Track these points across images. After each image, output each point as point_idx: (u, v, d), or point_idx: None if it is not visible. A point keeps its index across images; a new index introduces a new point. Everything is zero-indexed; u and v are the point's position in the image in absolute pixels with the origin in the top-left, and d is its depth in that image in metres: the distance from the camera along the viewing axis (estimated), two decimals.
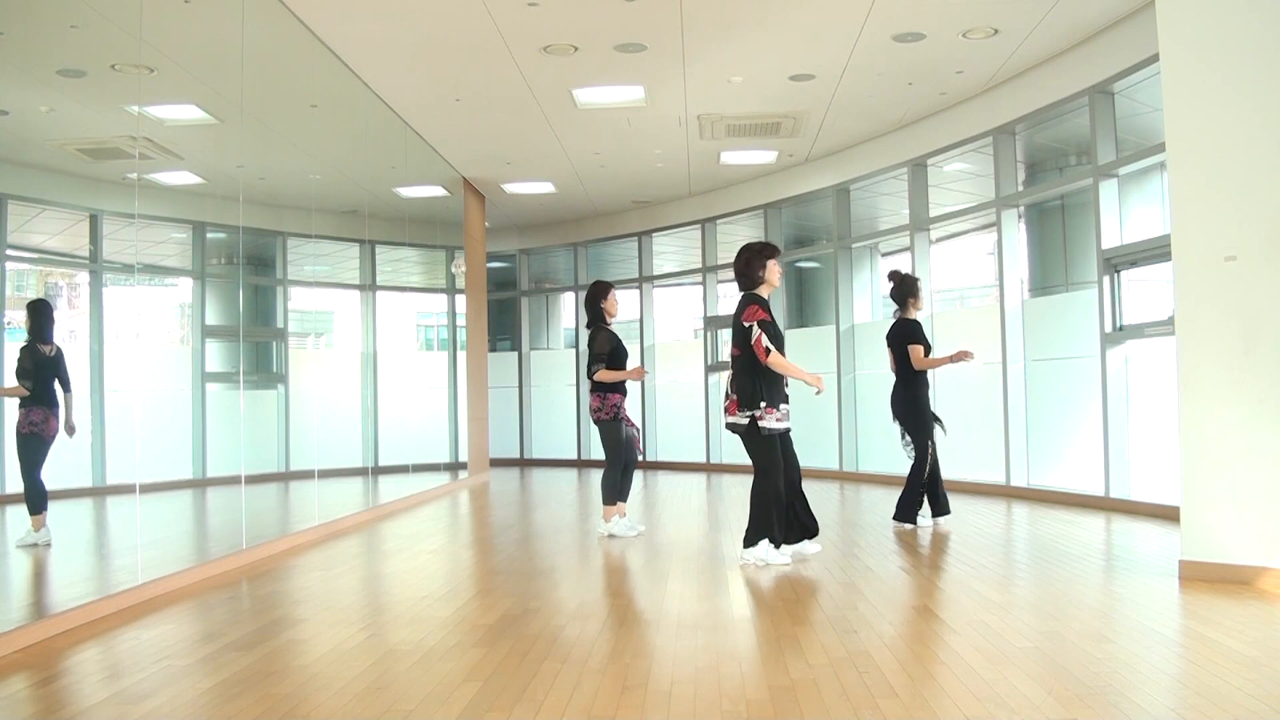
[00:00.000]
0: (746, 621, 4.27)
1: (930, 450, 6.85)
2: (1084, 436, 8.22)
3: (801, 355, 12.06)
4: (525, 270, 15.39)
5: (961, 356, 6.83)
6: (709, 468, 13.01)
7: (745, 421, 5.45)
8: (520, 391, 15.25)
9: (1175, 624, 4.14)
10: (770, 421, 5.44)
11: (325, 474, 7.75)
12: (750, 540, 5.51)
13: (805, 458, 12.14)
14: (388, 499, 9.04)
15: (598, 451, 14.17)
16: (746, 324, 5.47)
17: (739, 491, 9.86)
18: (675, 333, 15.34)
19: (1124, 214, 7.80)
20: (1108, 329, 7.63)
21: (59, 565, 5.50)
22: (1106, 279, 7.65)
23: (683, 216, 13.34)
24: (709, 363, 13.18)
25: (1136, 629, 4.03)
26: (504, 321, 15.58)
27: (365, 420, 9.32)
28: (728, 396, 5.58)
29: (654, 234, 13.91)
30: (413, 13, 6.89)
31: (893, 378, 7.09)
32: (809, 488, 10.07)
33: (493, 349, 14.51)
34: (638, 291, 14.17)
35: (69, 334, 6.08)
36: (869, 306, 11.54)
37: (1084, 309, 8.13)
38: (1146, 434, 7.66)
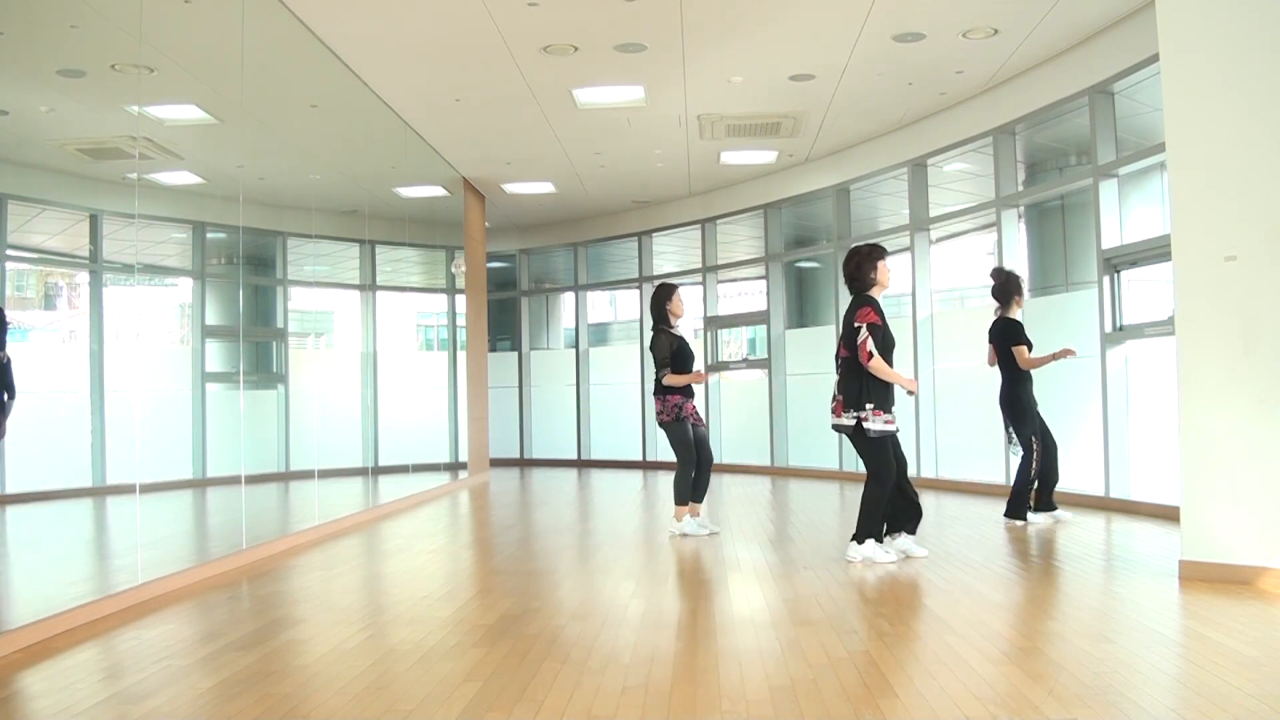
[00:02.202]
0: (746, 621, 4.27)
1: (1036, 446, 6.88)
2: (1084, 436, 8.22)
3: (802, 355, 12.09)
4: (525, 270, 15.39)
5: (1065, 354, 6.90)
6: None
7: (852, 423, 5.44)
8: (520, 391, 15.25)
9: (1175, 624, 4.14)
10: (878, 424, 5.42)
11: (325, 474, 7.75)
12: (860, 537, 5.54)
13: (805, 458, 12.18)
14: (388, 499, 9.04)
15: (598, 451, 14.38)
16: (857, 325, 5.46)
17: (739, 491, 9.87)
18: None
19: (1124, 214, 7.80)
20: (1108, 329, 7.63)
21: (59, 565, 5.50)
22: (1106, 279, 7.65)
23: (683, 216, 13.34)
24: (709, 362, 13.18)
25: (1136, 629, 4.03)
26: (504, 321, 15.58)
27: (365, 420, 9.32)
28: (834, 398, 5.57)
29: (654, 234, 13.92)
30: (413, 13, 6.89)
31: (993, 374, 7.18)
32: (810, 488, 10.11)
33: (493, 349, 14.51)
34: (638, 292, 14.17)
35: (69, 334, 6.09)
36: None
37: (1084, 309, 8.13)
38: (1146, 434, 7.66)
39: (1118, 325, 7.62)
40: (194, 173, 6.90)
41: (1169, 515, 6.58)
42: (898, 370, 5.58)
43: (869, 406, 5.41)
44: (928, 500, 8.58)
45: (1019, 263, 9.23)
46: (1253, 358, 4.69)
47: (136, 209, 5.50)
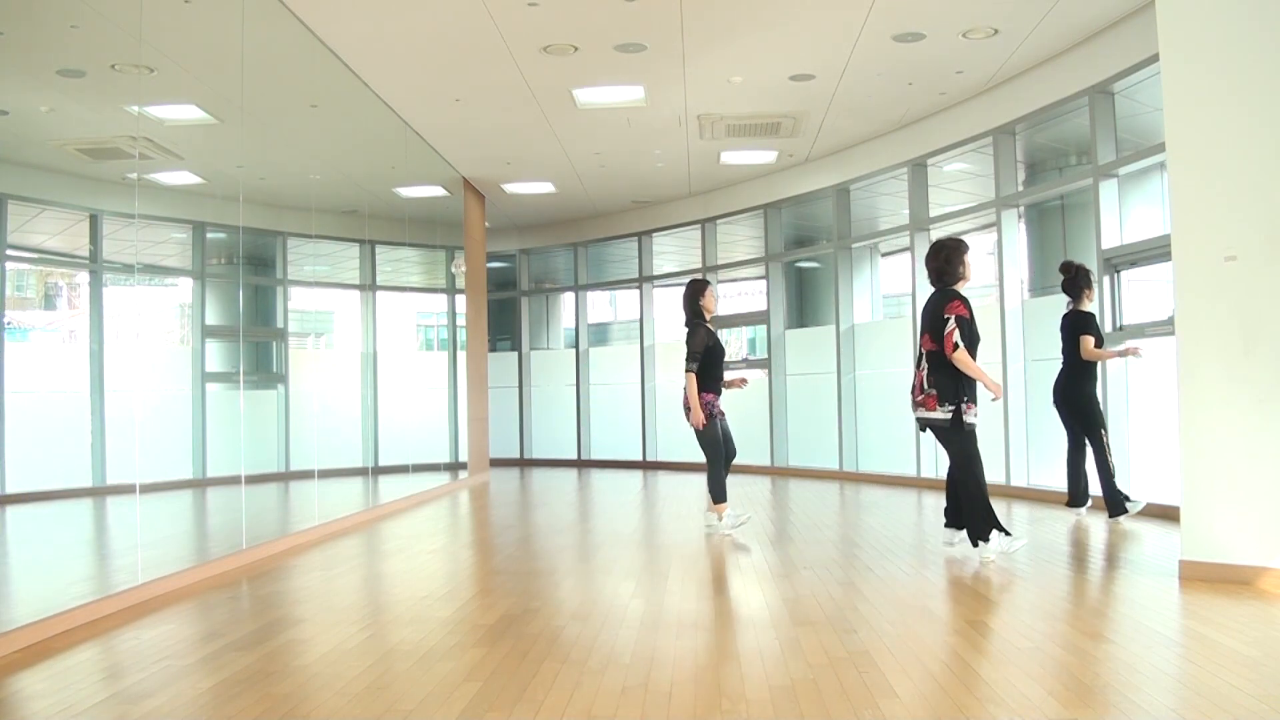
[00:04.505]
0: (746, 621, 4.27)
1: (1105, 439, 6.90)
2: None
3: (801, 355, 12.09)
4: (525, 270, 15.39)
5: (1130, 352, 7.00)
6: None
7: (947, 416, 5.41)
8: (520, 391, 15.25)
9: (1175, 624, 4.14)
10: (970, 416, 5.42)
11: (325, 474, 7.75)
12: (980, 535, 5.47)
13: (805, 458, 12.17)
14: (388, 499, 9.04)
15: (598, 451, 14.37)
16: (946, 316, 5.43)
17: (739, 491, 9.86)
18: (675, 332, 15.34)
19: (1124, 214, 7.80)
20: (1108, 329, 7.63)
21: (59, 565, 5.50)
22: (1106, 279, 7.66)
23: (683, 216, 13.34)
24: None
25: (1136, 629, 4.03)
26: (504, 321, 15.58)
27: (365, 420, 9.32)
28: (922, 390, 5.52)
29: (654, 234, 13.92)
30: (413, 13, 6.89)
31: (1058, 366, 7.24)
32: (810, 488, 10.11)
33: (493, 349, 14.51)
34: (638, 291, 14.17)
35: (69, 334, 6.09)
36: (869, 306, 11.55)
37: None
38: (1146, 434, 7.66)
39: (1118, 325, 7.62)
40: (194, 173, 6.90)
41: (1169, 515, 6.58)
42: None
43: (964, 400, 5.40)
44: (924, 500, 8.59)
45: (1019, 263, 9.24)
46: (1253, 358, 4.69)
47: (136, 209, 5.51)
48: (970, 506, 5.51)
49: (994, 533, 5.46)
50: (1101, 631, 4.00)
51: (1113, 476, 6.90)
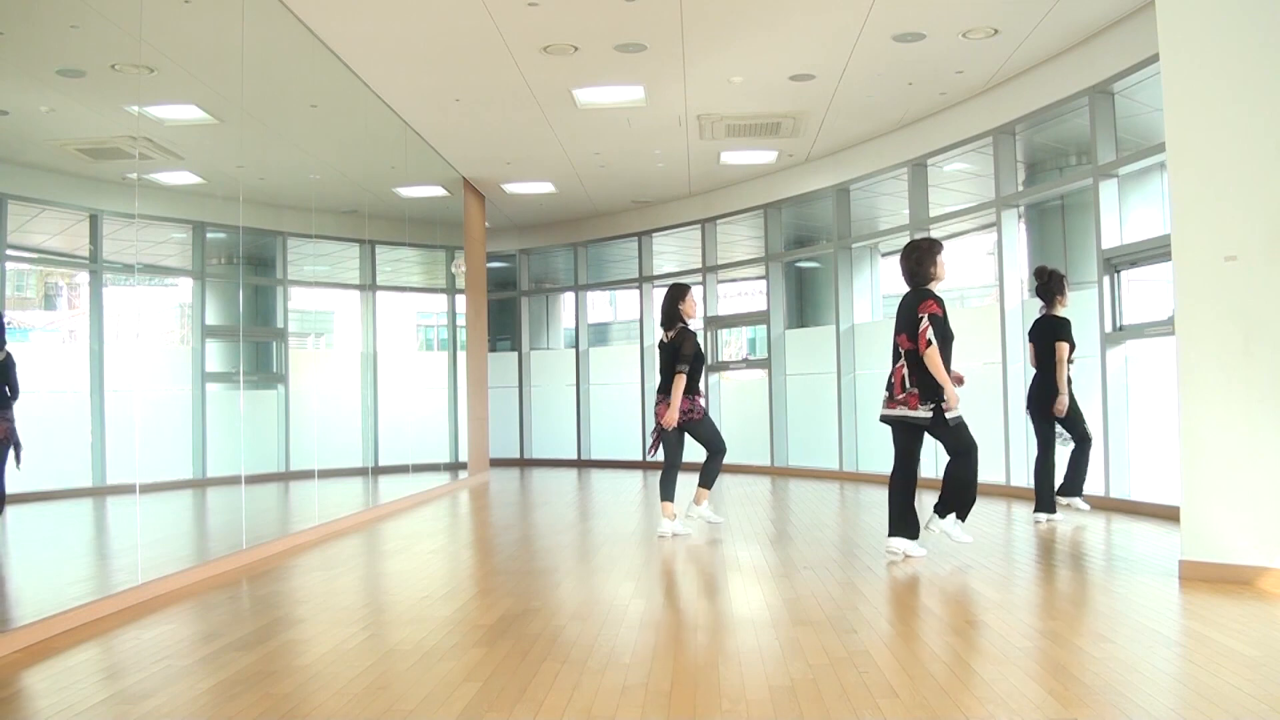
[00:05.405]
0: (746, 621, 4.27)
1: (1055, 443, 6.96)
2: None
3: (801, 355, 12.09)
4: (525, 270, 15.39)
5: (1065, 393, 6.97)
6: None
7: (928, 414, 5.43)
8: (520, 391, 15.25)
9: (1175, 624, 4.14)
10: (954, 410, 5.43)
11: (325, 474, 7.75)
12: (950, 511, 5.60)
13: (805, 458, 12.17)
14: (388, 499, 9.04)
15: (598, 451, 14.38)
16: (920, 315, 5.43)
17: (738, 491, 9.87)
18: None
19: (1124, 214, 7.80)
20: (1108, 329, 7.63)
21: (59, 565, 5.50)
22: (1106, 279, 7.66)
23: (683, 216, 13.34)
24: (708, 363, 13.17)
25: (1136, 629, 4.03)
26: (504, 321, 15.59)
27: (365, 420, 9.32)
28: (903, 389, 5.51)
29: (654, 234, 13.92)
30: (413, 13, 6.89)
31: (1030, 371, 7.23)
32: (810, 488, 10.12)
33: (493, 349, 14.51)
34: (638, 291, 14.17)
35: (69, 334, 6.09)
36: (869, 306, 11.55)
37: (1084, 309, 8.12)
38: (1146, 434, 7.66)
39: (1118, 325, 7.62)
40: (194, 173, 6.90)
41: (1169, 515, 6.58)
42: (952, 370, 5.53)
43: (943, 398, 5.41)
44: (924, 500, 8.57)
45: (1019, 263, 9.24)
46: (1253, 358, 4.69)
47: (136, 209, 5.51)
48: (957, 486, 5.57)
49: (953, 515, 5.61)
50: (1101, 631, 4.00)
51: (1050, 476, 6.96)
